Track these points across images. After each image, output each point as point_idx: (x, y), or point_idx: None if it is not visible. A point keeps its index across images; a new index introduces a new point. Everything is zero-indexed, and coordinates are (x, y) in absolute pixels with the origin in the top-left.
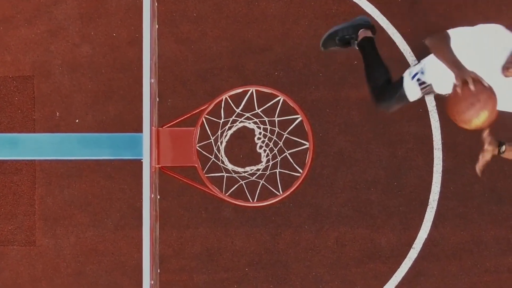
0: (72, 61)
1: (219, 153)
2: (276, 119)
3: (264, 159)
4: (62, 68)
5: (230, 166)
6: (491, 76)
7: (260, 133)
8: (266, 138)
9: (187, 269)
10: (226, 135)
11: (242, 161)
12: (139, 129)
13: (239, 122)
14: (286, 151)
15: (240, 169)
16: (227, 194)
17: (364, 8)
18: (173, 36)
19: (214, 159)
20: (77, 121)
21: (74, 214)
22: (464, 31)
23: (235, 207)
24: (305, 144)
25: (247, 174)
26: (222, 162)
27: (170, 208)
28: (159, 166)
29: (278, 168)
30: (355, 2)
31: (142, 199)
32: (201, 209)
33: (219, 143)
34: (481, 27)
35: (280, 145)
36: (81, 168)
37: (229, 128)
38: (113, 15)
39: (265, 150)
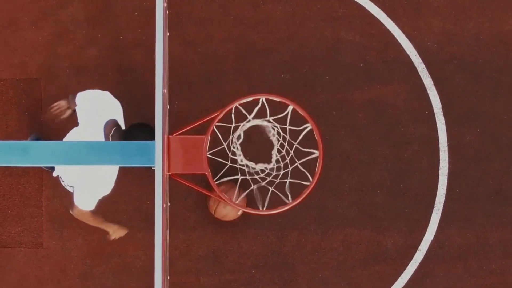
0: (78, 64)
1: (234, 150)
2: (288, 126)
3: (274, 159)
4: (69, 70)
5: (245, 161)
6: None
7: (273, 134)
8: (278, 144)
9: (193, 271)
10: (239, 136)
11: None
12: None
13: (252, 119)
14: (296, 161)
15: (254, 165)
16: (236, 202)
17: (370, 10)
18: (179, 38)
19: (224, 161)
20: None
21: None
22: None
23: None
24: (313, 152)
25: (258, 177)
26: (235, 162)
27: (176, 210)
28: (169, 173)
29: (288, 176)
30: (360, 5)
31: (148, 201)
32: (207, 211)
33: (232, 144)
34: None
35: (291, 154)
36: None
37: (242, 126)
38: (119, 17)
39: (280, 151)
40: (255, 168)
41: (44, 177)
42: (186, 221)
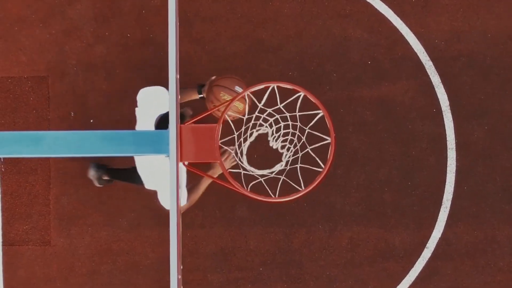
0: (86, 61)
1: (240, 154)
2: (298, 113)
3: (284, 160)
4: (77, 68)
5: (249, 168)
6: None
7: (274, 138)
8: (289, 135)
9: (201, 268)
10: (251, 135)
11: (257, 162)
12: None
13: (262, 120)
14: (308, 146)
15: (258, 171)
16: (248, 190)
17: (378, 8)
18: (187, 36)
19: (234, 155)
20: (91, 121)
21: (89, 213)
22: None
23: (249, 207)
24: (325, 139)
25: (267, 172)
26: (241, 161)
27: None
28: (181, 162)
29: (298, 163)
30: (368, 2)
31: (156, 199)
32: (215, 209)
33: (242, 144)
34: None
35: (303, 140)
36: None
37: (257, 131)
38: (127, 15)
39: (288, 148)
40: (262, 173)
41: (52, 175)
42: (194, 218)
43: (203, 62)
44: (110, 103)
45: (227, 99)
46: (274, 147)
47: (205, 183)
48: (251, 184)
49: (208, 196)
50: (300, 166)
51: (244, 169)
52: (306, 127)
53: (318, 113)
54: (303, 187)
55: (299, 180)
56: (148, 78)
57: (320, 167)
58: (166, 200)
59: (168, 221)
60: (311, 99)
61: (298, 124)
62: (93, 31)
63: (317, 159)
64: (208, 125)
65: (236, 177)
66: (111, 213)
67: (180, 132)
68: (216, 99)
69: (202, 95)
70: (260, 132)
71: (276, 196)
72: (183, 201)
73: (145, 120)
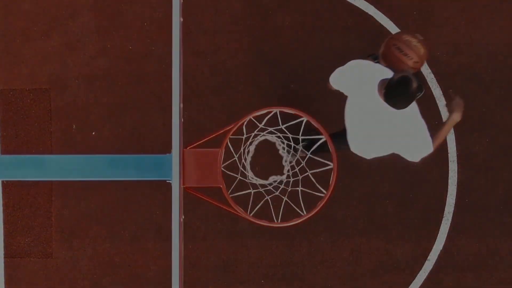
0: (88, 74)
1: (244, 168)
2: (301, 137)
3: (285, 171)
4: (79, 80)
5: (254, 178)
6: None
7: (283, 147)
8: (290, 154)
9: (203, 281)
10: (249, 151)
11: (260, 174)
12: (155, 142)
13: (261, 136)
14: (308, 170)
15: (264, 181)
16: (251, 214)
17: (379, 20)
18: (189, 49)
19: (240, 177)
20: (93, 133)
21: (91, 226)
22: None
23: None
24: (328, 164)
25: (272, 187)
26: (246, 177)
27: (186, 220)
28: (184, 186)
29: (300, 186)
30: (370, 15)
31: (158, 212)
32: (217, 221)
33: (243, 159)
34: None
35: (302, 163)
36: (97, 181)
37: (251, 143)
38: (129, 28)
39: (290, 162)
40: (266, 183)
41: (53, 188)
42: (196, 231)
43: (205, 74)
44: (112, 116)
45: (412, 40)
46: (282, 154)
47: (450, 125)
48: (255, 209)
49: (210, 208)
50: (300, 184)
51: (251, 183)
52: (311, 148)
53: (321, 138)
54: (304, 211)
55: (301, 203)
56: (150, 91)
57: (322, 191)
58: (415, 154)
59: (170, 234)
60: (314, 125)
61: (300, 147)
62: (95, 44)
63: (318, 185)
64: (211, 149)
65: (241, 199)
66: (113, 225)
67: (182, 157)
68: (401, 41)
69: (377, 61)
70: (259, 140)
71: (278, 221)
72: (427, 150)
73: (358, 96)
